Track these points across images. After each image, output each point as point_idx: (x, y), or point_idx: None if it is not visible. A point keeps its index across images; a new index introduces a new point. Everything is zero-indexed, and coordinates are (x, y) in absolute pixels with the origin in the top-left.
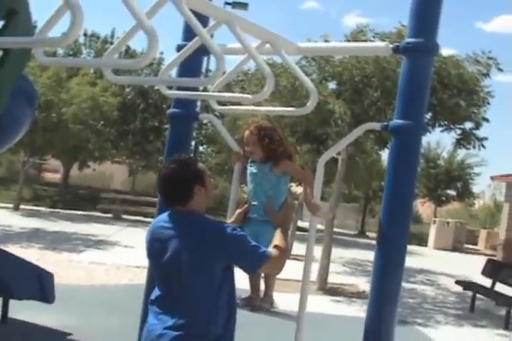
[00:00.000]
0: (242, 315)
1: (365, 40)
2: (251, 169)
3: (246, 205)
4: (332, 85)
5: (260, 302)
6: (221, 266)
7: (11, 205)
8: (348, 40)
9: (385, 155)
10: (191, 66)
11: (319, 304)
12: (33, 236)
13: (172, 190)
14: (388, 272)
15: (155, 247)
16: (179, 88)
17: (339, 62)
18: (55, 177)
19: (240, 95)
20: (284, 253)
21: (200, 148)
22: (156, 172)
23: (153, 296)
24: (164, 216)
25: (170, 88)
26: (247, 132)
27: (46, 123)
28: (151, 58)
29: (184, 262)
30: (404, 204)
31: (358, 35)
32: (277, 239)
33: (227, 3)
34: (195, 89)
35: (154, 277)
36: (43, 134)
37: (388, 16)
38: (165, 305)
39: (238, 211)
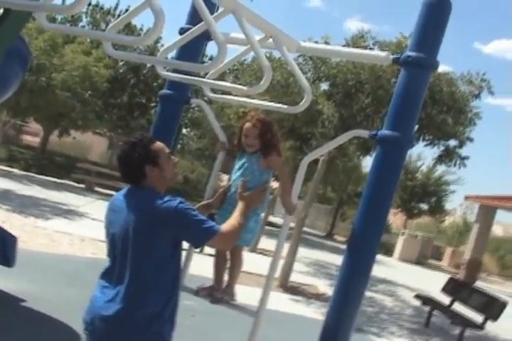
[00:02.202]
0: (203, 304)
1: (365, 46)
2: (240, 158)
3: (226, 186)
4: (324, 86)
5: (221, 294)
6: (168, 242)
7: None
8: (348, 44)
9: (365, 161)
10: (191, 50)
11: (278, 301)
12: (1, 198)
13: (124, 169)
14: (354, 279)
15: (109, 218)
16: (175, 70)
17: (335, 65)
18: (34, 141)
19: (236, 86)
20: (235, 230)
21: (184, 131)
22: None
23: (103, 269)
24: (123, 190)
25: (166, 69)
26: (248, 124)
27: (34, 87)
28: (154, 38)
29: (132, 235)
30: (381, 214)
31: (358, 40)
32: (234, 215)
33: None
34: (191, 74)
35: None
36: (30, 97)
37: (389, 24)
38: (111, 278)
39: (220, 190)
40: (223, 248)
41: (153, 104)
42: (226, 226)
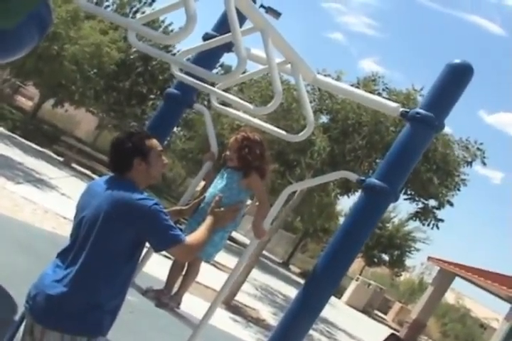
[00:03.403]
0: (146, 303)
1: (375, 90)
2: (223, 173)
3: (201, 197)
4: (324, 119)
5: (168, 300)
6: (131, 239)
7: None
8: (358, 84)
9: (342, 201)
10: (209, 57)
11: (218, 317)
12: None
13: (113, 156)
14: (304, 315)
15: (83, 200)
16: (188, 73)
17: (341, 101)
18: (27, 104)
19: (244, 103)
20: (198, 244)
21: (174, 129)
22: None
23: (61, 248)
24: (105, 177)
25: (180, 70)
26: (233, 138)
27: (44, 53)
28: (181, 39)
29: (99, 223)
30: (346, 259)
31: (369, 83)
32: (200, 229)
33: (261, 7)
34: (203, 80)
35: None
36: (36, 61)
37: (401, 72)
38: (66, 259)
39: (195, 200)
40: (182, 259)
41: (152, 96)
42: (191, 238)
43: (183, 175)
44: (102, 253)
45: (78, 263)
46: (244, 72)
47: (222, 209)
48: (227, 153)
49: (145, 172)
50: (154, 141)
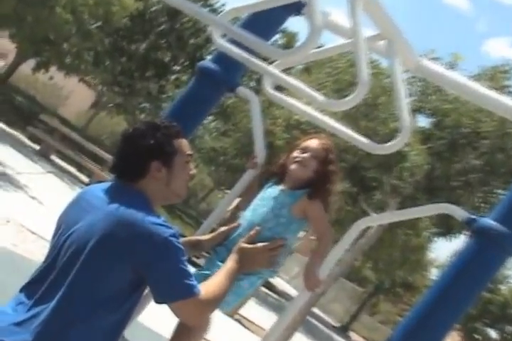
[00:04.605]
0: None
1: (505, 87)
2: (268, 191)
3: (234, 224)
4: (423, 122)
5: None
6: (129, 279)
7: None
8: (479, 75)
9: (439, 245)
10: (267, 21)
11: None
12: None
13: (123, 153)
14: None
15: (69, 213)
16: (234, 41)
17: (452, 99)
18: None
19: (311, 91)
20: (216, 299)
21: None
22: (127, 122)
23: (29, 278)
24: (104, 184)
25: (224, 36)
26: (316, 141)
27: None
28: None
29: (91, 248)
30: (438, 330)
31: (498, 75)
32: (219, 274)
33: None
34: (255, 54)
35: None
36: (17, 3)
37: None
38: (33, 293)
39: (223, 229)
40: (189, 320)
41: (177, 68)
42: (206, 291)
43: (209, 185)
44: (84, 294)
45: (50, 301)
46: (316, 47)
47: (257, 244)
48: (296, 165)
49: (163, 183)
50: (184, 142)
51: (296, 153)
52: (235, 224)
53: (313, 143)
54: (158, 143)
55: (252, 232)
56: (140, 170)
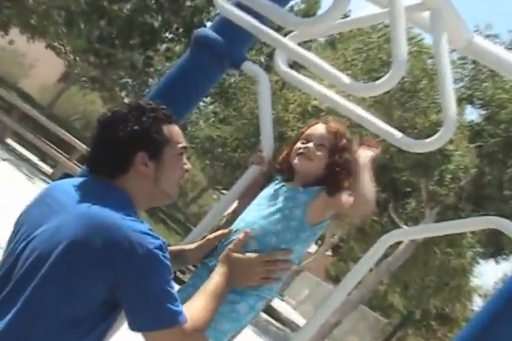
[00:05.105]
0: None
1: None
2: (275, 187)
3: (226, 230)
4: (472, 115)
5: None
6: (102, 297)
7: None
8: None
9: (484, 268)
10: None
11: None
12: None
13: (102, 142)
14: None
15: (32, 212)
16: (241, 5)
17: (510, 87)
18: None
19: (337, 73)
20: (202, 331)
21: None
22: (103, 100)
23: None
24: (78, 179)
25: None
26: (322, 126)
27: None
28: None
29: (57, 255)
30: None
31: None
32: (204, 296)
33: None
34: (266, 23)
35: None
36: None
37: None
38: None
39: (212, 235)
40: None
41: (169, 35)
42: (191, 317)
43: (202, 183)
44: (45, 315)
45: (3, 319)
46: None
47: (250, 254)
48: (302, 145)
49: (151, 179)
50: (176, 130)
51: (299, 144)
52: (226, 230)
53: (317, 129)
54: (143, 129)
55: (240, 235)
56: (121, 164)
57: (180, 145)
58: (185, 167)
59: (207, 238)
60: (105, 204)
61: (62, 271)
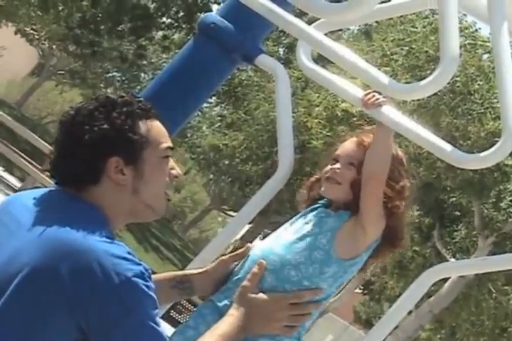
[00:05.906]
0: None
1: None
2: (304, 211)
3: (243, 248)
4: None
5: None
6: (73, 338)
7: None
8: None
9: None
10: None
11: None
12: None
13: (61, 151)
14: None
15: None
16: None
17: None
18: None
19: (373, 70)
20: None
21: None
22: (84, 97)
23: None
24: (41, 191)
25: None
26: (352, 141)
27: None
28: None
29: (11, 291)
30: None
31: None
32: (212, 338)
33: None
34: (288, 9)
35: None
36: None
37: None
38: None
39: (226, 257)
40: None
41: (166, 21)
42: None
43: (204, 202)
44: None
45: None
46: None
47: (276, 294)
48: (331, 168)
49: (129, 189)
50: (157, 126)
51: (328, 166)
52: (244, 248)
53: (346, 145)
54: (114, 128)
55: (255, 268)
56: (91, 173)
57: (163, 146)
58: (173, 172)
59: (221, 259)
60: (73, 222)
61: (22, 307)
